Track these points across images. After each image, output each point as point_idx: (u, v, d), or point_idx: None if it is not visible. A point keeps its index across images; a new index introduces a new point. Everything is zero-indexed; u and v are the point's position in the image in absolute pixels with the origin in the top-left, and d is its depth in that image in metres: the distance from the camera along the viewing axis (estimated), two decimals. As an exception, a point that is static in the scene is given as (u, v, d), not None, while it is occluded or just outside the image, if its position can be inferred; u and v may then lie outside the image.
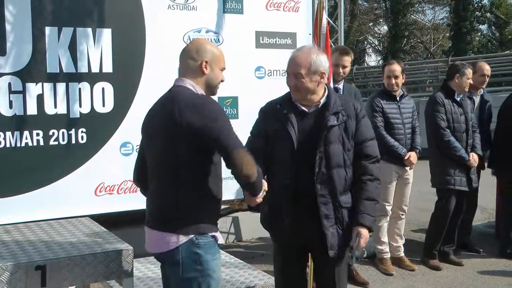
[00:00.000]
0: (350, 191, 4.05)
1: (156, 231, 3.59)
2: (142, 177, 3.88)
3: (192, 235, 3.50)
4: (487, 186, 7.81)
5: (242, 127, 6.97)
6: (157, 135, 3.64)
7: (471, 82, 7.10)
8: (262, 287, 4.65)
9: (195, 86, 3.66)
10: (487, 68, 7.54)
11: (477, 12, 33.87)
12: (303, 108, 4.10)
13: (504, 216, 7.94)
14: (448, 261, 7.20)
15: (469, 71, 6.88)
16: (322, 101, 4.08)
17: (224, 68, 3.93)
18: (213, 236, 3.59)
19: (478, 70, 7.36)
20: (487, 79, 7.55)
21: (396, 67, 6.82)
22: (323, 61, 4.05)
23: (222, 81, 3.88)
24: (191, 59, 3.73)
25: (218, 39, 6.92)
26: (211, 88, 3.79)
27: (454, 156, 6.79)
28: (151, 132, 3.74)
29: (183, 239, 3.49)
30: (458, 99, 6.94)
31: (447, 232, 7.13)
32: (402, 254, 7.17)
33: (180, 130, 3.46)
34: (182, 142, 3.48)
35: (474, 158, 6.89)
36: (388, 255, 7.05)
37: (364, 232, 3.96)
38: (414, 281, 6.57)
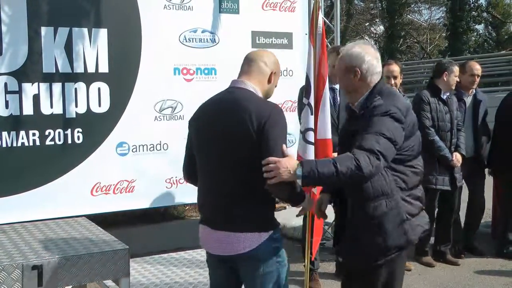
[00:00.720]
0: None
1: (230, 232, 3.58)
2: (192, 172, 3.94)
3: (271, 231, 3.60)
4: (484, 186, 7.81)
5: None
6: (224, 136, 3.61)
7: (461, 82, 7.13)
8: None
9: (257, 91, 3.74)
10: (477, 68, 7.49)
11: (473, 12, 33.84)
12: None
13: (501, 216, 7.96)
14: (445, 260, 7.23)
15: (456, 69, 6.90)
16: None
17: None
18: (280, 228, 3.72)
19: (468, 70, 7.31)
20: (477, 79, 7.50)
21: (395, 68, 6.87)
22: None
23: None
24: (264, 64, 3.85)
25: (214, 39, 6.92)
26: (266, 97, 3.88)
27: (437, 156, 6.83)
28: (213, 133, 3.68)
29: (264, 236, 3.56)
30: (444, 97, 6.96)
31: (442, 231, 7.18)
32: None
33: (254, 135, 3.48)
34: (254, 146, 3.49)
35: (457, 158, 6.91)
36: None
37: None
38: (411, 280, 6.58)
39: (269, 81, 3.87)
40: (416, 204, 3.85)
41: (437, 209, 7.09)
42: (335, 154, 4.58)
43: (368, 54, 3.84)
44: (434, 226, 7.20)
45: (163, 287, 4.60)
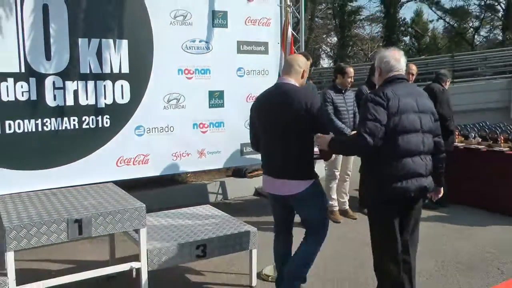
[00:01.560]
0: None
1: (287, 180, 4.15)
2: (257, 143, 4.44)
3: (314, 179, 4.20)
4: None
5: (227, 113, 7.07)
6: (282, 116, 4.09)
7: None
8: (242, 233, 4.66)
9: (296, 84, 4.25)
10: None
11: (401, 28, 34.06)
12: None
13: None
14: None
15: None
16: None
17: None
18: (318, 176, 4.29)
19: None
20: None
21: (352, 70, 6.97)
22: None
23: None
24: (298, 66, 4.29)
25: (208, 47, 6.88)
26: (303, 86, 4.39)
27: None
28: (275, 113, 4.15)
29: (311, 182, 4.17)
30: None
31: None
32: (347, 207, 7.25)
33: (304, 113, 4.02)
34: (306, 120, 4.03)
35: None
36: (336, 208, 7.11)
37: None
38: (356, 226, 6.65)
39: (302, 77, 4.33)
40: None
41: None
42: None
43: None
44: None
45: (170, 232, 4.60)
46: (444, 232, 6.45)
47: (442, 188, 4.21)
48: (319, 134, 4.08)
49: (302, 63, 4.32)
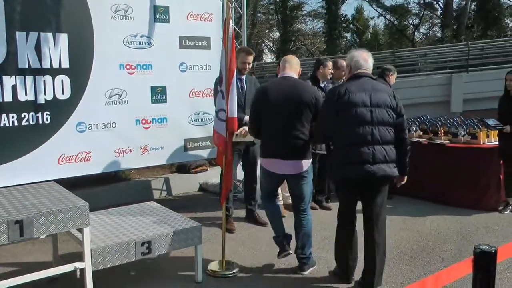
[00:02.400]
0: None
1: (294, 160, 4.80)
2: (258, 128, 4.98)
3: (311, 159, 4.93)
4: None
5: (169, 109, 7.06)
6: (290, 103, 4.75)
7: (334, 75, 7.25)
8: (187, 229, 4.67)
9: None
10: (343, 64, 7.66)
11: (343, 24, 34.56)
12: None
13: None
14: (321, 206, 7.41)
15: (329, 63, 7.02)
16: None
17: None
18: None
19: (339, 66, 7.35)
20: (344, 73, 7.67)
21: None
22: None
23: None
24: (297, 65, 5.09)
25: (150, 42, 6.84)
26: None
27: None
28: (282, 101, 4.76)
29: (309, 162, 4.91)
30: (323, 85, 7.06)
31: (319, 185, 7.33)
32: (289, 201, 7.31)
33: (310, 103, 4.76)
34: (310, 108, 4.76)
35: None
36: (281, 202, 7.18)
37: None
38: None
39: (298, 74, 5.12)
40: None
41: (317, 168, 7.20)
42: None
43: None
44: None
45: (114, 231, 4.56)
46: (387, 223, 6.59)
47: (405, 177, 4.72)
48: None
49: (298, 62, 5.14)
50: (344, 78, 5.02)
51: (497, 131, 7.11)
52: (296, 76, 5.02)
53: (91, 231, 4.27)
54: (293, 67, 5.00)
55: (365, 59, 4.55)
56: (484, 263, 2.46)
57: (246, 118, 5.77)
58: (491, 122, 7.06)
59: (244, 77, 6.32)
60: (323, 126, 4.56)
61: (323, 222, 6.67)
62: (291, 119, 4.73)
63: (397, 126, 4.45)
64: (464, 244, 5.84)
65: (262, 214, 6.95)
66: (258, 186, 6.38)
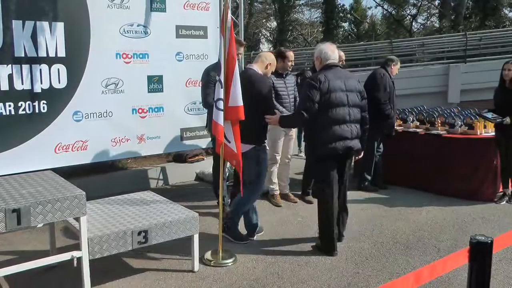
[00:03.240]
0: None
1: (243, 144, 5.08)
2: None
3: (255, 145, 5.38)
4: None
5: (166, 98, 7.06)
6: (248, 93, 5.10)
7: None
8: (183, 219, 4.69)
9: (258, 70, 5.46)
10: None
11: (340, 14, 34.50)
12: None
13: (361, 160, 8.25)
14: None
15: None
16: None
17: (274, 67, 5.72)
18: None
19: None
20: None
21: (292, 54, 7.08)
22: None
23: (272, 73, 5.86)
24: (265, 58, 5.53)
25: (147, 31, 6.83)
26: (266, 74, 5.59)
27: None
28: (244, 91, 4.97)
29: (251, 147, 5.33)
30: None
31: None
32: (287, 191, 7.35)
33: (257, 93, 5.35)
34: (255, 97, 5.25)
35: None
36: (277, 192, 7.21)
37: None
38: (297, 209, 6.77)
39: (266, 68, 5.54)
40: None
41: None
42: None
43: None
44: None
45: (111, 220, 4.57)
46: (383, 213, 6.66)
47: (362, 151, 5.50)
48: (268, 116, 5.34)
49: (269, 57, 5.57)
50: (316, 67, 5.41)
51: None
52: (256, 68, 5.48)
53: (88, 220, 4.29)
54: (260, 61, 5.54)
55: (333, 51, 5.30)
56: (480, 254, 2.48)
57: None
58: (489, 115, 7.06)
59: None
60: (307, 109, 5.02)
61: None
62: (246, 108, 4.97)
63: (362, 107, 5.33)
64: (460, 235, 5.87)
65: (258, 203, 7.00)
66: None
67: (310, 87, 5.03)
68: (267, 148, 5.86)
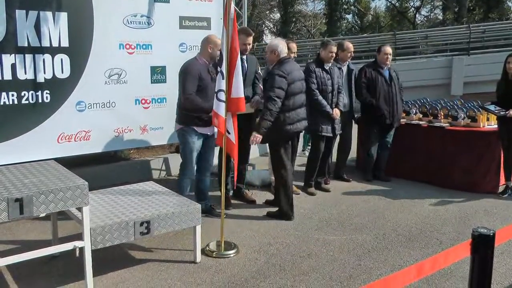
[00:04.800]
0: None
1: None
2: None
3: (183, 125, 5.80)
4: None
5: (169, 89, 7.03)
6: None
7: (339, 56, 7.25)
8: (186, 209, 4.68)
9: (200, 57, 5.84)
10: (351, 46, 7.66)
11: (344, 6, 34.42)
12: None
13: (362, 154, 8.26)
14: (320, 188, 7.41)
15: (330, 46, 6.96)
16: None
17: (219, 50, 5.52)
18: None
19: (346, 48, 7.46)
20: (351, 54, 7.67)
21: (295, 45, 7.22)
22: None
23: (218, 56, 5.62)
24: (207, 42, 5.79)
25: (150, 22, 6.80)
26: (211, 58, 5.82)
27: (321, 111, 6.93)
28: None
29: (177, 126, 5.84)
30: (327, 68, 7.03)
31: (320, 167, 7.31)
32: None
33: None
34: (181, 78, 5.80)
35: (336, 112, 7.03)
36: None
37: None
38: (299, 201, 6.74)
39: (209, 49, 5.78)
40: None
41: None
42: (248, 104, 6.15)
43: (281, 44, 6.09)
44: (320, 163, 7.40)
45: (113, 210, 4.57)
46: (385, 205, 6.65)
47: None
48: (251, 140, 5.81)
49: (204, 41, 5.85)
50: (271, 60, 6.09)
51: (496, 115, 7.11)
52: (200, 55, 5.85)
53: (90, 210, 4.27)
54: (202, 47, 5.89)
55: (285, 46, 6.14)
56: (482, 246, 2.47)
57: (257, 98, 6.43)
58: (492, 107, 7.05)
59: (244, 56, 6.32)
60: (280, 96, 5.79)
61: (323, 203, 6.70)
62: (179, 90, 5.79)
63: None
64: (462, 227, 5.86)
65: (261, 194, 7.01)
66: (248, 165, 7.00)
67: (280, 77, 5.81)
68: (198, 130, 5.80)
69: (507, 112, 6.79)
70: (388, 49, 7.73)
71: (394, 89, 7.65)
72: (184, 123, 5.77)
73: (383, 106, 7.57)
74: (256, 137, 5.77)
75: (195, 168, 5.97)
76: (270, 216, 6.16)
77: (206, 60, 5.80)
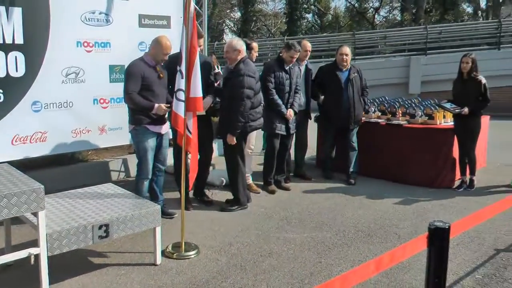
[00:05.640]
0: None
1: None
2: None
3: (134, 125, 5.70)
4: (310, 130, 8.07)
5: (128, 88, 6.88)
6: None
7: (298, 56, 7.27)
8: (145, 211, 4.62)
9: (147, 56, 5.75)
10: (309, 45, 7.70)
11: (304, 5, 34.61)
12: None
13: (321, 152, 8.35)
14: (280, 187, 7.41)
15: (292, 51, 6.89)
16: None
17: (167, 53, 5.72)
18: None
19: (303, 47, 7.47)
20: (309, 54, 7.71)
21: (256, 44, 7.25)
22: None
23: (164, 59, 5.76)
24: (153, 43, 5.71)
25: (108, 20, 6.71)
26: (156, 60, 5.72)
27: (276, 111, 6.95)
28: None
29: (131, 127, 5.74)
30: (287, 68, 7.04)
31: (278, 165, 7.33)
32: (250, 181, 7.32)
33: None
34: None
35: (290, 113, 7.04)
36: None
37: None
38: (259, 200, 6.76)
39: (153, 49, 5.69)
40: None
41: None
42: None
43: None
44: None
45: (70, 214, 4.47)
46: (345, 203, 6.70)
47: None
48: (228, 139, 6.09)
49: (153, 41, 5.73)
50: (234, 58, 6.19)
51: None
52: (149, 54, 5.75)
53: (46, 215, 4.12)
54: (150, 48, 5.78)
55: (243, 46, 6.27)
56: (438, 239, 2.51)
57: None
58: (448, 105, 7.24)
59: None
60: (250, 96, 6.03)
61: (284, 202, 6.71)
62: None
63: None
64: (420, 221, 5.95)
65: (222, 195, 6.97)
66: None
67: (250, 78, 6.03)
68: (150, 129, 5.71)
69: (462, 110, 6.97)
70: (344, 50, 7.69)
71: (350, 91, 7.62)
72: (135, 123, 5.68)
73: (332, 108, 7.64)
74: (232, 139, 6.11)
75: (151, 167, 5.89)
76: (226, 209, 6.36)
77: (152, 60, 5.72)
